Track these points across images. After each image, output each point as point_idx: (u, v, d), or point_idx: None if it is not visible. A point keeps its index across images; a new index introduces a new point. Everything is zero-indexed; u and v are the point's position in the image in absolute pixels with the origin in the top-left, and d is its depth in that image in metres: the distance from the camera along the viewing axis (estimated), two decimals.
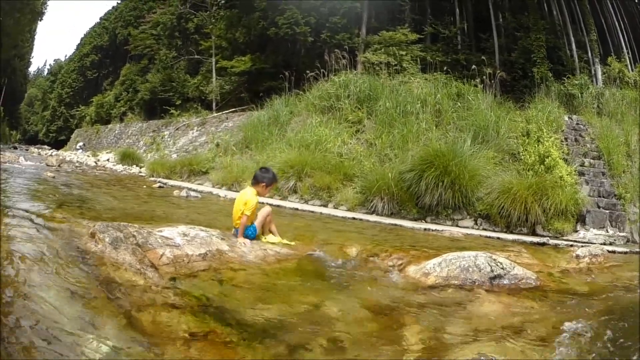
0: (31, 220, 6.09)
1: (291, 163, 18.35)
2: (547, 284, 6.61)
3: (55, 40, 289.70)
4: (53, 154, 40.30)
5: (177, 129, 41.92)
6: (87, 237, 5.83)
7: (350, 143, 20.50)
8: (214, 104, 45.47)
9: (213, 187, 20.87)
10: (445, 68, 24.91)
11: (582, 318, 4.91)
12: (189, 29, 58.50)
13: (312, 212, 15.55)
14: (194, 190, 18.35)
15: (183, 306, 4.75)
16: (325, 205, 16.92)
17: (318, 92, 24.64)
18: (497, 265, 6.61)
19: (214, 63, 47.28)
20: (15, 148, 37.35)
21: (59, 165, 25.12)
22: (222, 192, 18.87)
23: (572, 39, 33.99)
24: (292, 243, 8.37)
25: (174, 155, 31.66)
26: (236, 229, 8.06)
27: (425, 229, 13.29)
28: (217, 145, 27.65)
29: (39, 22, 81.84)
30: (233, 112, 38.02)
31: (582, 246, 10.45)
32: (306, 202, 17.45)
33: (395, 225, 13.78)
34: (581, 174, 16.70)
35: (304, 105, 24.48)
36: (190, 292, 5.18)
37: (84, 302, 4.16)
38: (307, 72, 26.78)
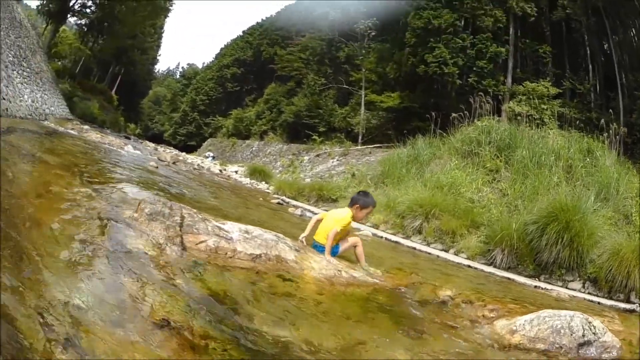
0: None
1: (421, 202, 17.64)
2: (625, 355, 5.99)
3: (193, 46, 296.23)
4: (170, 150, 40.61)
5: (317, 156, 42.18)
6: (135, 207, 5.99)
7: (485, 190, 20.07)
8: (360, 137, 45.54)
9: None
10: (579, 124, 24.69)
11: None
12: (340, 58, 58.92)
13: (429, 253, 15.07)
14: (312, 212, 17.56)
15: (180, 291, 4.54)
16: (447, 251, 16.14)
17: (461, 135, 24.24)
18: (590, 329, 5.94)
19: (363, 96, 47.58)
20: (128, 138, 37.92)
21: (173, 163, 24.22)
22: None
23: None
24: (378, 272, 7.91)
25: (307, 180, 31.01)
26: (316, 244, 7.82)
27: (535, 286, 12.84)
28: (353, 175, 27.35)
29: (164, 18, 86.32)
30: (377, 147, 38.01)
31: None
32: (428, 244, 16.67)
33: (508, 279, 13.37)
34: None
35: (447, 148, 24.00)
36: (205, 281, 5.00)
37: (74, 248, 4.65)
38: (453, 114, 26.38)
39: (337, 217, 8.03)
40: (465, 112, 25.60)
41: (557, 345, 5.68)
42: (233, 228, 6.48)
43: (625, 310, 11.46)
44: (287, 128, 61.28)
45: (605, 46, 40.99)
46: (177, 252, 5.44)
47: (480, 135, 23.08)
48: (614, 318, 7.67)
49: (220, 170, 31.73)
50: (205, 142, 79.34)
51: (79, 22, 68.07)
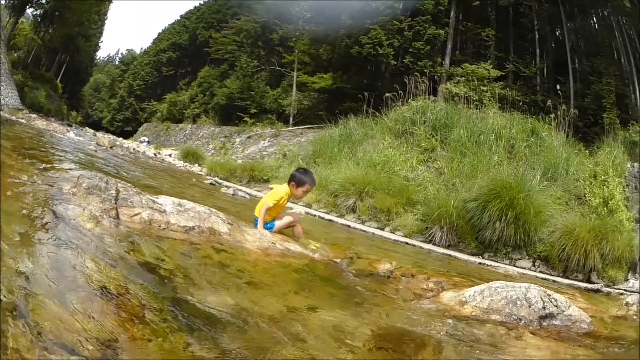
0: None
1: (354, 180, 17.57)
2: (599, 330, 5.67)
3: (130, 32, 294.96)
4: (108, 136, 40.61)
5: (248, 137, 42.00)
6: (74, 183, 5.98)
7: (420, 169, 19.91)
8: (291, 118, 45.94)
9: None
10: (522, 106, 24.38)
11: None
12: (273, 40, 59.02)
13: (365, 231, 14.94)
14: (244, 191, 17.81)
15: (116, 261, 4.35)
16: (382, 229, 15.99)
17: (395, 115, 24.15)
18: (551, 302, 5.56)
19: (295, 77, 47.70)
20: (70, 125, 37.82)
21: (110, 147, 24.38)
22: None
23: (637, 86, 33.80)
24: (317, 245, 7.65)
25: (239, 161, 30.90)
26: (256, 219, 7.66)
27: (479, 263, 12.76)
28: (284, 155, 27.37)
29: (109, 4, 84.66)
30: (308, 128, 37.93)
31: (630, 294, 10.02)
32: (363, 222, 16.55)
33: (449, 255, 13.13)
34: (637, 221, 16.05)
35: (380, 127, 23.96)
36: (140, 251, 4.86)
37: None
38: (387, 94, 26.28)
39: (271, 192, 7.99)
40: (399, 92, 25.65)
41: (515, 317, 5.27)
42: (166, 201, 6.56)
43: (588, 290, 11.38)
44: (220, 111, 61.43)
45: (557, 32, 42.43)
46: (113, 223, 5.36)
47: (415, 114, 23.13)
48: (575, 296, 7.67)
49: (155, 154, 31.90)
50: (141, 127, 79.48)
51: (34, 12, 67.89)
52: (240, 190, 18.00)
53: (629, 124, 27.19)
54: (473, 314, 5.30)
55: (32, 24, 70.14)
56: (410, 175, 19.40)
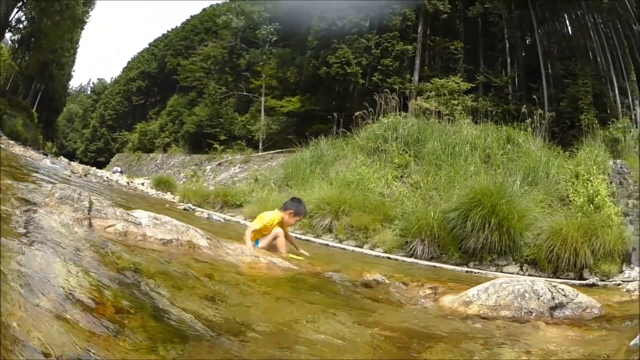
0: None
1: (328, 200, 17.52)
2: (611, 312, 5.55)
3: (100, 60, 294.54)
4: (82, 165, 40.70)
5: (219, 164, 41.99)
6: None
7: (395, 185, 19.82)
8: (260, 144, 45.48)
9: (245, 220, 19.55)
10: (495, 119, 24.30)
11: None
12: (240, 65, 58.79)
13: (344, 249, 15.00)
14: (218, 215, 18.12)
15: (90, 266, 4.06)
16: (361, 247, 15.89)
17: (365, 133, 24.09)
18: (558, 292, 5.35)
19: (263, 102, 47.45)
20: (46, 154, 37.74)
21: (85, 175, 24.52)
22: (250, 223, 17.93)
23: (615, 83, 34.15)
24: (300, 258, 7.63)
25: (211, 188, 30.52)
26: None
27: (467, 271, 12.70)
28: (256, 180, 27.22)
29: (81, 31, 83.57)
30: (279, 152, 37.69)
31: (629, 283, 10.34)
32: (340, 241, 16.40)
33: (435, 267, 13.07)
34: (625, 214, 16.17)
35: (351, 147, 23.86)
36: (116, 257, 4.53)
37: None
38: (357, 113, 26.16)
39: (260, 216, 8.31)
40: (370, 110, 25.65)
41: (526, 310, 5.02)
42: (142, 215, 6.34)
43: (583, 285, 11.30)
44: (189, 139, 61.03)
45: (528, 41, 42.98)
46: (86, 232, 5.13)
47: (387, 131, 23.15)
48: (575, 290, 6.78)
49: (128, 183, 32.10)
50: (113, 158, 78.91)
51: (12, 37, 67.20)
52: (215, 214, 18.19)
53: (609, 123, 27.45)
54: (481, 312, 5.05)
55: (11, 49, 69.63)
56: (386, 191, 19.31)
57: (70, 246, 4.43)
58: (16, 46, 68.06)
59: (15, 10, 58.26)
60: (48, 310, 2.92)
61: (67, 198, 5.64)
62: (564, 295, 5.27)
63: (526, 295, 5.12)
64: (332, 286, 6.03)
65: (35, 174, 13.47)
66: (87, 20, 74.57)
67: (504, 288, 5.29)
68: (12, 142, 32.97)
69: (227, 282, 4.91)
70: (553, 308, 5.07)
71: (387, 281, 6.57)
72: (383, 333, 4.02)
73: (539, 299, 5.11)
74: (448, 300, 5.53)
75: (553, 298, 5.16)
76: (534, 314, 4.92)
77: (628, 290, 8.20)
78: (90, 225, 5.32)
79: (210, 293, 4.35)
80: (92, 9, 71.57)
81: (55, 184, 6.72)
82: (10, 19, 58.11)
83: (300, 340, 3.61)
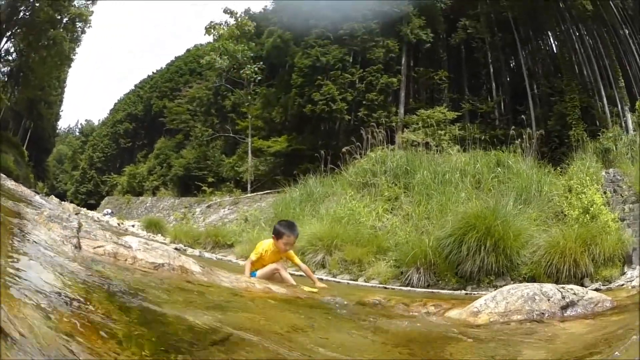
0: None
1: (320, 236, 17.21)
2: (623, 303, 5.53)
3: (87, 102, 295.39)
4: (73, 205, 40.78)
5: (208, 207, 41.90)
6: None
7: (386, 217, 19.63)
8: (248, 185, 45.60)
9: (237, 259, 19.52)
10: (483, 145, 24.39)
11: None
12: (226, 107, 59.36)
13: (339, 282, 14.90)
14: (211, 255, 18.31)
15: (78, 275, 4.03)
16: (355, 280, 15.65)
17: (354, 168, 23.98)
18: (567, 292, 5.27)
19: (249, 143, 47.62)
20: (37, 193, 37.80)
21: (76, 214, 24.26)
22: (242, 262, 17.67)
23: (603, 94, 34.48)
24: (315, 290, 7.41)
25: (202, 229, 30.21)
26: None
27: (466, 293, 12.67)
28: (246, 220, 27.17)
29: (68, 70, 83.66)
30: (267, 193, 37.59)
31: (632, 280, 10.59)
32: (334, 276, 16.14)
33: (432, 292, 13.05)
34: (622, 219, 15.96)
35: (340, 184, 23.67)
36: (105, 272, 4.51)
37: None
38: (344, 148, 26.04)
39: (256, 246, 8.22)
40: (357, 145, 25.61)
41: (538, 312, 4.91)
42: (132, 239, 6.25)
43: None
44: (178, 182, 61.15)
45: (512, 64, 43.59)
46: (75, 251, 5.04)
47: (375, 165, 23.05)
48: (584, 289, 6.61)
49: (118, 224, 32.41)
50: (103, 201, 79.09)
51: (2, 69, 67.44)
52: (206, 254, 18.51)
53: (598, 134, 27.55)
54: (491, 320, 4.96)
55: (1, 82, 69.27)
56: (378, 224, 19.16)
57: (61, 259, 4.40)
58: (5, 79, 68.15)
59: (5, 40, 58.64)
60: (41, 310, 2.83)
61: (56, 217, 5.65)
62: (574, 294, 5.24)
63: (536, 297, 5.05)
64: (336, 307, 5.93)
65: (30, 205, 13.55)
66: (73, 57, 74.86)
67: (512, 294, 5.22)
68: (3, 175, 33.40)
69: (223, 299, 4.87)
70: (564, 308, 5.03)
71: (388, 303, 6.42)
72: (392, 339, 4.00)
73: (549, 300, 5.05)
74: (455, 313, 5.41)
75: (563, 297, 5.11)
76: (547, 315, 4.86)
77: (633, 287, 8.23)
78: (79, 245, 5.26)
79: (207, 304, 4.36)
80: (78, 46, 71.55)
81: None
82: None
83: (308, 341, 3.62)
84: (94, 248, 5.38)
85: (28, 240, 4.63)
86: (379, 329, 4.44)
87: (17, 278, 3.27)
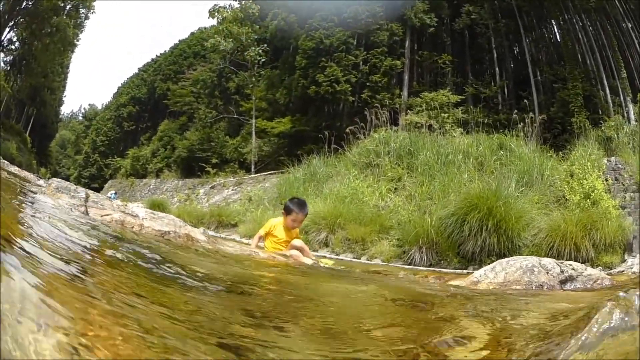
0: None
1: (323, 214, 17.35)
2: (622, 283, 5.70)
3: (91, 86, 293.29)
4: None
5: (212, 187, 41.78)
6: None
7: (389, 198, 19.78)
8: (252, 166, 45.46)
9: (241, 238, 19.79)
10: (486, 129, 24.40)
11: None
12: (230, 89, 59.21)
13: (341, 259, 14.97)
14: (213, 234, 17.54)
15: (91, 232, 4.13)
16: (358, 259, 15.81)
17: (357, 149, 24.17)
18: (566, 267, 5.23)
19: (253, 124, 47.33)
20: (40, 178, 37.63)
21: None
22: (246, 240, 17.70)
23: (606, 83, 34.43)
24: (331, 262, 7.74)
25: (206, 209, 30.49)
26: None
27: (467, 272, 12.37)
28: (250, 200, 27.24)
29: (71, 55, 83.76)
30: (271, 174, 37.53)
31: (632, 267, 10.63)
32: (337, 255, 16.26)
33: (434, 270, 13.10)
34: (623, 207, 16.21)
35: (344, 164, 23.78)
36: (117, 231, 4.66)
37: None
38: (348, 128, 26.27)
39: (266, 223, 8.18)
40: (361, 125, 25.62)
41: (536, 284, 4.89)
42: (138, 209, 6.30)
43: None
44: (181, 164, 60.97)
45: (516, 51, 43.58)
46: (84, 217, 5.08)
47: (379, 146, 23.13)
48: (583, 265, 6.62)
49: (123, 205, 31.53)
50: (107, 184, 77.96)
51: (5, 59, 66.89)
52: (211, 232, 17.68)
53: (600, 123, 27.81)
54: (490, 288, 4.97)
55: (3, 71, 68.55)
56: (381, 204, 19.29)
57: (74, 220, 4.48)
58: (8, 68, 67.91)
59: (7, 29, 58.35)
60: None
61: (64, 188, 5.73)
62: (573, 269, 5.23)
63: (535, 269, 5.06)
64: (337, 271, 6.29)
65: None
66: (77, 43, 74.53)
67: (511, 265, 5.21)
68: (6, 162, 33.77)
69: (226, 261, 4.99)
70: (563, 282, 5.04)
71: (392, 273, 6.81)
72: (390, 294, 4.07)
73: (548, 272, 5.07)
74: (455, 283, 5.47)
75: (562, 272, 5.13)
76: (545, 287, 4.89)
77: (633, 273, 8.27)
78: (87, 212, 5.37)
79: (212, 262, 4.52)
80: (82, 31, 71.14)
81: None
82: (1, 38, 58.30)
83: (308, 293, 3.80)
84: (102, 216, 5.45)
85: (38, 204, 4.74)
86: (383, 286, 4.57)
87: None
